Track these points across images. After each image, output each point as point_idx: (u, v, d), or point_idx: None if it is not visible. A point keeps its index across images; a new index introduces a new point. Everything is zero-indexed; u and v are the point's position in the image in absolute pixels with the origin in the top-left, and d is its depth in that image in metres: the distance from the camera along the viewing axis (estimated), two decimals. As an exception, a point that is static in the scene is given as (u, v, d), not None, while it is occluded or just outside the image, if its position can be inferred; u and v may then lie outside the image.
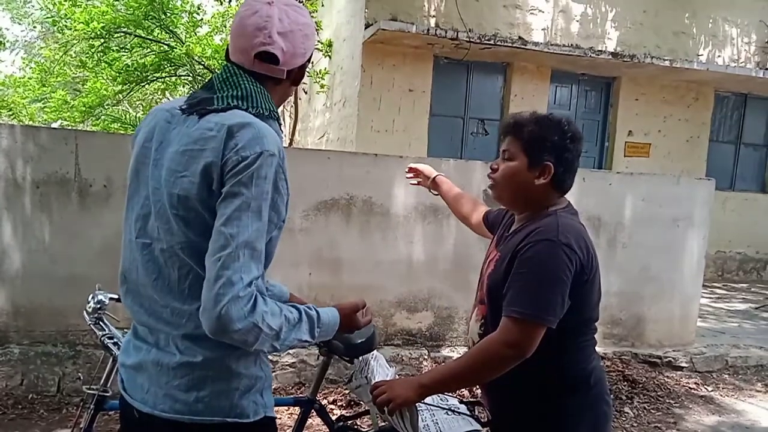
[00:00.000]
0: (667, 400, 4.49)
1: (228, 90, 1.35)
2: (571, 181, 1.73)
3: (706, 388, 4.83)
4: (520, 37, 8.82)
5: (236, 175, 1.24)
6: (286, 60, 1.37)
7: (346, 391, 4.01)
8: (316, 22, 11.01)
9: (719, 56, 9.93)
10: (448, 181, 2.41)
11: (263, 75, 1.38)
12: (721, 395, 4.73)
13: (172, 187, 1.29)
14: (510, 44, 8.60)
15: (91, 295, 2.05)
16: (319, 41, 10.05)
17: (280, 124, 1.41)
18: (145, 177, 1.37)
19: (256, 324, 1.22)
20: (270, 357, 4.32)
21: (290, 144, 10.69)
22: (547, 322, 1.55)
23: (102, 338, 1.96)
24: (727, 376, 5.12)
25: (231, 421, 1.32)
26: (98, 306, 2.02)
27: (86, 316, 2.05)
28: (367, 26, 8.48)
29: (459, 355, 1.74)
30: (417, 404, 1.78)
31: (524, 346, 1.56)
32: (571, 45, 9.04)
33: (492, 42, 8.47)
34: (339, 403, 4.00)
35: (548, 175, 1.67)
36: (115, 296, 2.01)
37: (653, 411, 4.32)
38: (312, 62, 1.45)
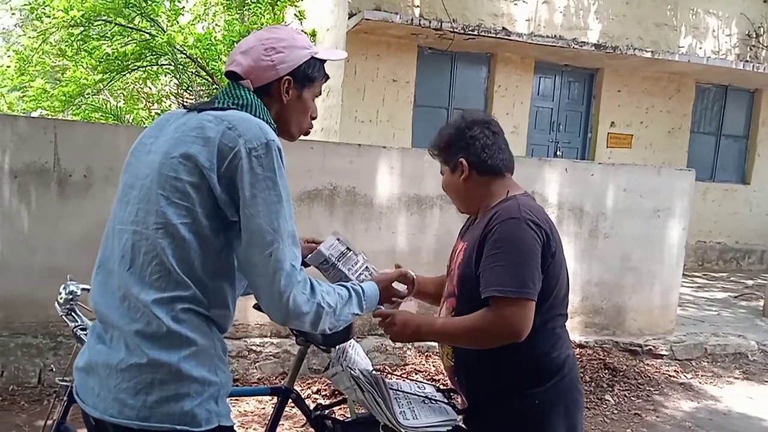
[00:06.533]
0: (647, 388, 4.55)
1: (229, 99, 1.43)
2: (497, 160, 1.75)
3: (685, 376, 4.90)
4: (503, 28, 8.82)
5: (255, 167, 1.29)
6: (247, 72, 1.45)
7: (329, 381, 4.02)
8: (299, 11, 10.96)
9: (701, 48, 10.00)
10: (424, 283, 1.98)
11: (262, 95, 1.46)
12: (699, 382, 4.81)
13: (162, 168, 1.32)
14: (494, 35, 8.59)
15: (62, 286, 2.02)
16: (303, 31, 9.97)
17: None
18: (135, 167, 1.40)
19: (319, 303, 1.34)
20: (254, 348, 4.31)
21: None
22: (528, 295, 1.56)
23: (74, 329, 1.93)
24: (705, 363, 5.19)
25: (180, 429, 1.27)
26: (70, 297, 1.99)
27: (58, 307, 2.01)
28: (350, 16, 8.43)
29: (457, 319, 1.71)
30: (394, 392, 1.79)
31: (515, 323, 1.56)
32: (555, 36, 9.05)
33: (476, 32, 8.46)
34: (323, 393, 4.01)
35: (464, 169, 1.74)
36: (88, 287, 1.98)
37: (633, 398, 4.37)
38: (315, 77, 1.53)
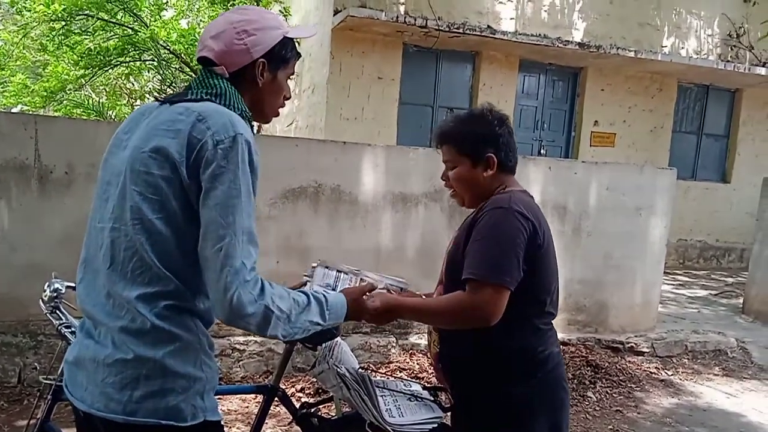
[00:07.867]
0: (629, 384, 4.60)
1: (203, 89, 1.40)
2: (514, 158, 1.81)
3: (666, 372, 4.96)
4: (488, 26, 8.85)
5: (219, 160, 1.26)
6: (220, 57, 1.42)
7: (314, 379, 4.02)
8: (284, 8, 10.91)
9: (683, 48, 10.12)
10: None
11: (236, 80, 1.43)
12: (680, 379, 4.87)
13: (133, 163, 1.31)
14: (479, 33, 8.62)
15: (47, 284, 2.00)
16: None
17: (252, 127, 1.43)
18: (111, 164, 1.40)
19: (267, 306, 1.26)
20: (237, 346, 4.29)
21: (258, 131, 10.58)
22: (504, 282, 1.59)
23: (59, 327, 1.91)
24: (686, 360, 5.26)
25: (166, 423, 1.27)
26: (54, 294, 1.97)
27: (42, 305, 1.99)
28: (336, 12, 8.41)
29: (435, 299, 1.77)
30: (380, 390, 1.80)
31: (486, 308, 1.58)
32: (539, 35, 9.10)
33: (461, 30, 8.48)
34: (307, 391, 4.01)
35: (494, 166, 1.75)
36: (72, 284, 1.95)
37: (615, 395, 4.42)
38: (289, 55, 1.50)
